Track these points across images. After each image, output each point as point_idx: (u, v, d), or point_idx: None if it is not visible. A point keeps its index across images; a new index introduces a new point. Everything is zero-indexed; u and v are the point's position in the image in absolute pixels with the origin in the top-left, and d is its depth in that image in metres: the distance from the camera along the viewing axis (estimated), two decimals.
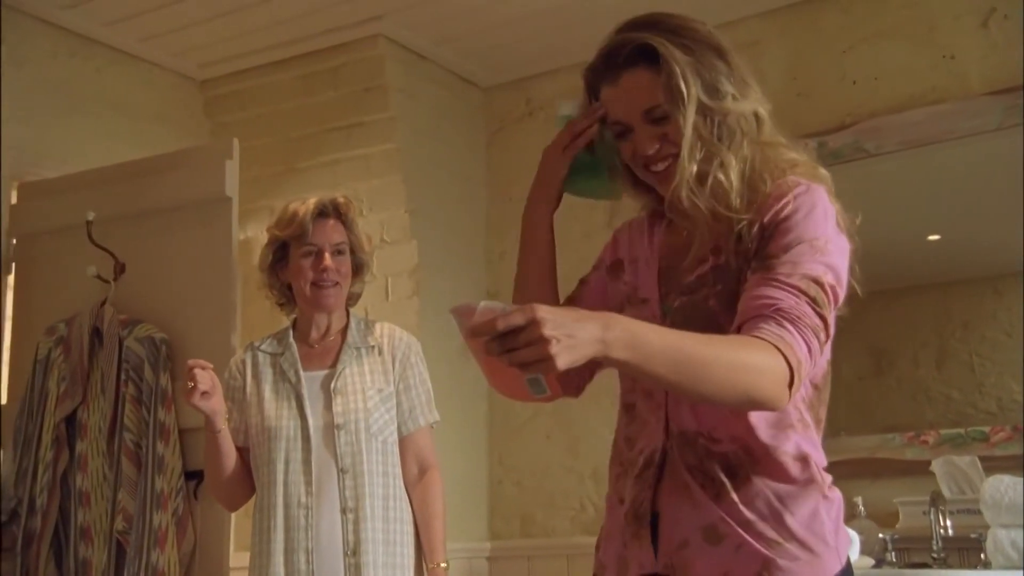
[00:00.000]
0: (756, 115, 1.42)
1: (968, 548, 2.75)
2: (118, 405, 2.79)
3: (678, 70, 1.36)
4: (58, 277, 3.08)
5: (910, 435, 3.06)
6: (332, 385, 2.43)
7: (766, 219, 1.34)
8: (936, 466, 2.86)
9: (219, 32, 3.62)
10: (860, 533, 2.66)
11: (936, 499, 2.76)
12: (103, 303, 2.90)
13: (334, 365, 2.46)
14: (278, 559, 2.33)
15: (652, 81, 1.38)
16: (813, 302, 1.28)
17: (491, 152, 4.00)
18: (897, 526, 2.92)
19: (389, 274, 3.53)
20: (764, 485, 1.31)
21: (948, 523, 2.78)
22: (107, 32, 3.55)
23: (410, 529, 2.43)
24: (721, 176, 1.36)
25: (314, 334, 2.51)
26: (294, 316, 2.57)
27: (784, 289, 1.27)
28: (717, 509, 1.31)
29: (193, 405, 2.28)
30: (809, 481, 1.33)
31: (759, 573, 1.28)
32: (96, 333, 2.88)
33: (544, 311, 1.10)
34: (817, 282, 1.29)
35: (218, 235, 2.89)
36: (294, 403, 2.42)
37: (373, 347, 2.49)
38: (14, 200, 3.25)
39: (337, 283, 2.46)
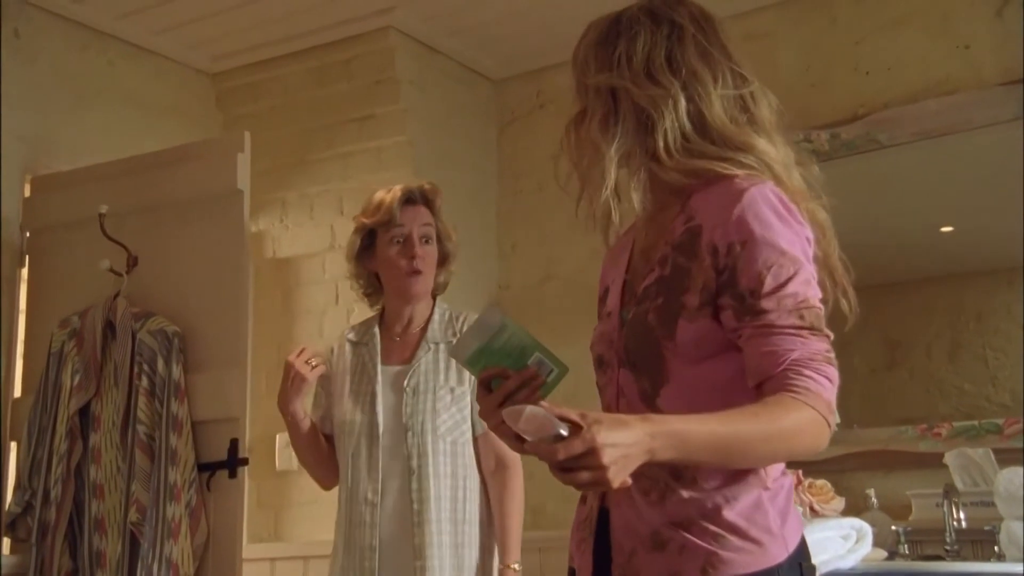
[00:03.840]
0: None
1: (982, 540, 2.74)
2: (131, 397, 2.80)
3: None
4: (71, 270, 3.09)
5: (923, 427, 3.04)
6: (404, 383, 2.37)
7: (716, 238, 1.32)
8: (950, 458, 2.84)
9: (231, 25, 3.62)
10: (873, 525, 2.65)
11: (949, 491, 2.75)
12: (116, 296, 2.91)
13: (411, 360, 2.40)
14: (341, 552, 2.34)
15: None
16: (812, 330, 1.28)
17: (502, 144, 3.99)
18: (910, 518, 2.91)
19: None
20: (707, 483, 1.32)
21: (962, 515, 2.77)
22: (119, 25, 3.55)
23: (476, 531, 2.37)
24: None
25: (398, 326, 2.46)
26: (380, 306, 2.52)
27: (784, 334, 1.27)
28: (659, 515, 1.33)
29: (285, 404, 2.35)
30: (749, 474, 1.32)
31: (703, 568, 1.29)
32: (109, 326, 2.89)
33: (602, 438, 1.12)
34: (806, 305, 1.28)
35: (230, 228, 2.90)
36: (368, 400, 2.38)
37: (451, 343, 2.40)
38: (27, 193, 3.26)
39: (422, 271, 2.41)
